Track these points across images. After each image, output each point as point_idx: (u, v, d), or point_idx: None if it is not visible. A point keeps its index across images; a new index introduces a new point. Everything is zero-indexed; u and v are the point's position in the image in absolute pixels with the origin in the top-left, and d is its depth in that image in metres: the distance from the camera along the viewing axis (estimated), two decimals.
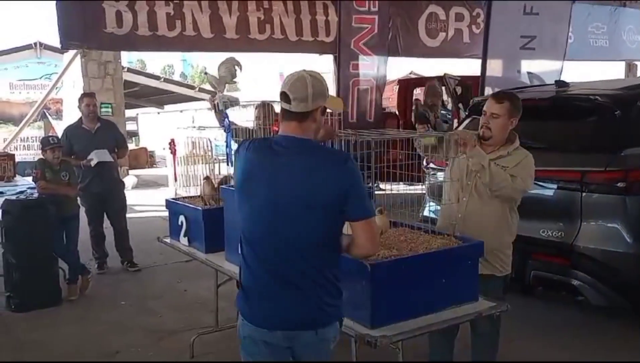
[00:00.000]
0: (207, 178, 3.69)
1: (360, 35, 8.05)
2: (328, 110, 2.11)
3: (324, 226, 1.92)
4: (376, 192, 3.03)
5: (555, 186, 3.79)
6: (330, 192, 1.88)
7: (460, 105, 7.57)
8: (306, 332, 1.95)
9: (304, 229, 1.90)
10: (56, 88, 12.53)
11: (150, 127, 22.26)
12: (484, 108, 2.93)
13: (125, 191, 6.09)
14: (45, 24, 10.04)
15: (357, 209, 1.91)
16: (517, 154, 2.86)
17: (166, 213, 3.88)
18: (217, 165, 4.09)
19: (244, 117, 5.11)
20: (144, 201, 9.71)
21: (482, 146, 2.85)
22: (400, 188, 2.85)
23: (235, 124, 3.90)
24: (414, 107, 9.00)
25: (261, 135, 3.87)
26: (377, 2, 8.05)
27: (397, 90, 10.64)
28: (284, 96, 1.94)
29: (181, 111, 20.64)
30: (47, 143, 5.00)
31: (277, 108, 2.11)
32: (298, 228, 1.90)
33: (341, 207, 1.90)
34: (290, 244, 1.92)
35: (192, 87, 18.59)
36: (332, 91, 8.82)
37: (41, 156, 5.05)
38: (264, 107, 4.36)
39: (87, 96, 5.78)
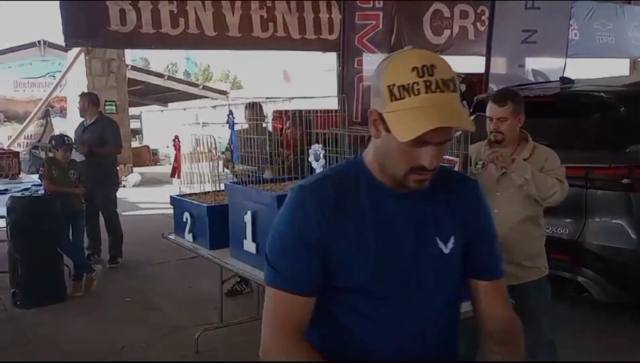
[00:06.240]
0: None
1: (365, 31, 7.99)
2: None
3: None
4: None
5: None
6: None
7: (464, 102, 7.54)
8: None
9: None
10: (60, 86, 12.58)
11: (154, 125, 22.28)
12: (488, 114, 2.85)
13: (126, 188, 6.13)
14: (49, 22, 10.07)
15: None
16: (538, 152, 2.75)
17: (170, 211, 3.89)
18: (220, 162, 4.11)
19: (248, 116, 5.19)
20: (148, 199, 9.74)
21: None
22: None
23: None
24: None
25: (253, 132, 3.98)
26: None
27: None
28: None
29: (185, 109, 20.67)
30: (61, 143, 5.02)
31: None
32: None
33: None
34: None
35: (195, 85, 18.68)
36: (335, 89, 8.86)
37: (49, 154, 5.06)
38: (253, 107, 4.70)
39: (80, 96, 6.14)
